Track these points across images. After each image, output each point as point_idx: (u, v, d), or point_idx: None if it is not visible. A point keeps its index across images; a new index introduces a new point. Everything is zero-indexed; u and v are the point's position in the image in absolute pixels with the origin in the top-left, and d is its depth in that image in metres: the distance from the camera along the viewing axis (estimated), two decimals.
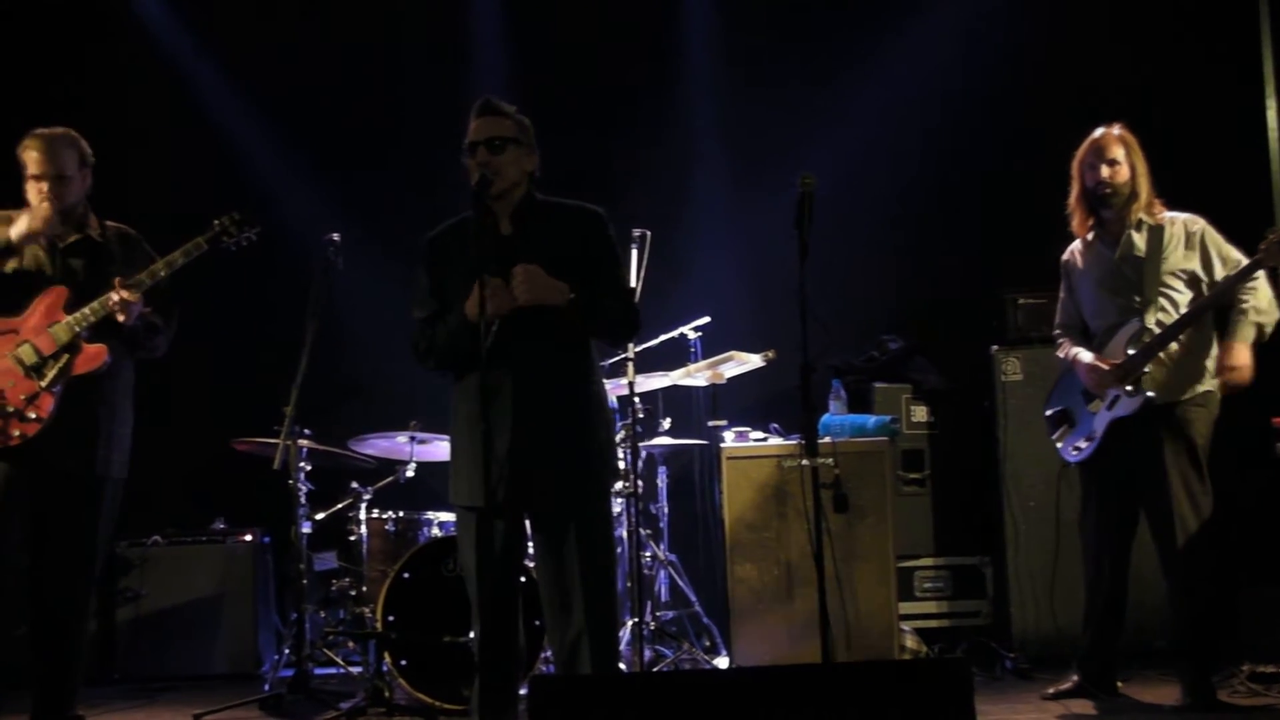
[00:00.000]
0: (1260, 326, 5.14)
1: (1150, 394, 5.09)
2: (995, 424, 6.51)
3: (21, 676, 4.85)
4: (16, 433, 4.66)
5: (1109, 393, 5.17)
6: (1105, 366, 5.20)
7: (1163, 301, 5.16)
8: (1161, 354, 5.12)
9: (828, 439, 5.80)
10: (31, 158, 4.86)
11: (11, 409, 4.67)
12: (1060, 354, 5.52)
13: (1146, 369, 5.10)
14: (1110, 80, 7.07)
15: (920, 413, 6.90)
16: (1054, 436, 5.48)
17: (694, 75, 7.73)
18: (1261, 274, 5.11)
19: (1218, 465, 5.16)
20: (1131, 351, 5.13)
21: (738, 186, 7.55)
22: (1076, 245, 5.48)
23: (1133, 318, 5.18)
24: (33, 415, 4.67)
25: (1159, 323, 5.13)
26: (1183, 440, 5.12)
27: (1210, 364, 5.18)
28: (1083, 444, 5.28)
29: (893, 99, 7.37)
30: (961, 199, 7.36)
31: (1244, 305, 5.11)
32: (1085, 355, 5.31)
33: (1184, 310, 5.11)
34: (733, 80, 7.69)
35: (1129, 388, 5.12)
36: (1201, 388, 5.16)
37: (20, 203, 4.91)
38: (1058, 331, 5.59)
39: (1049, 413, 5.54)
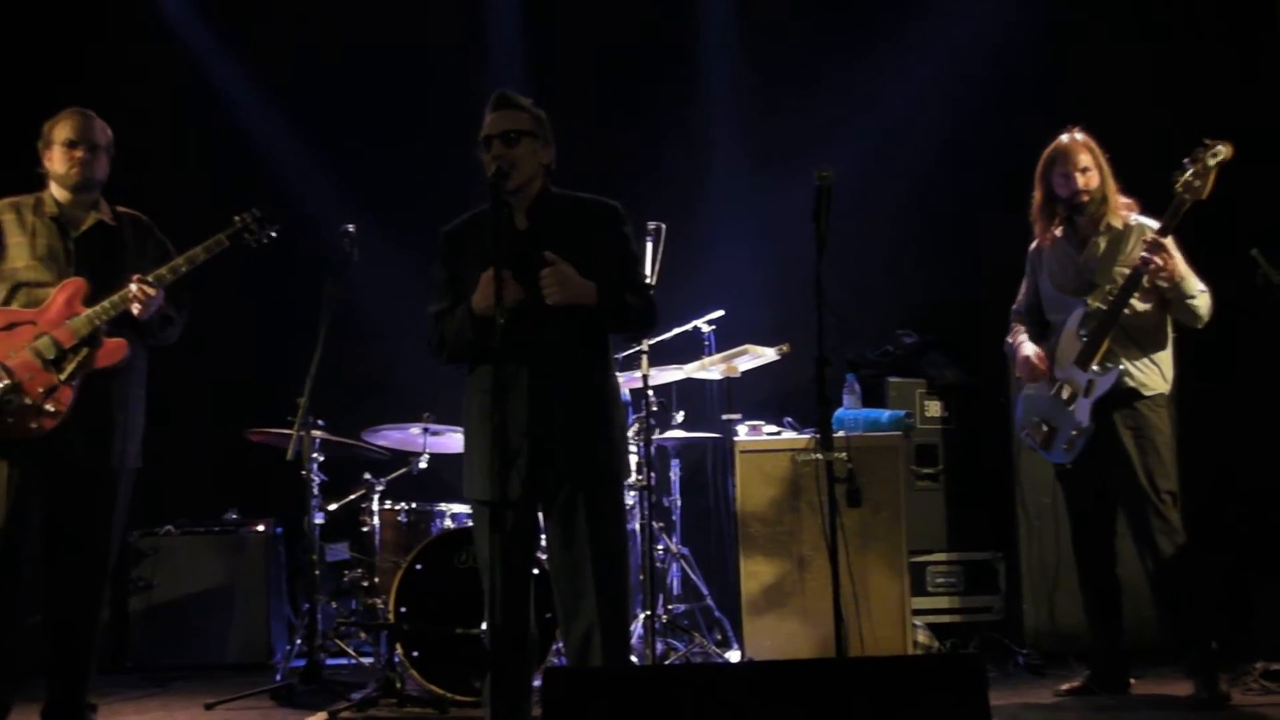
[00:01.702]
0: (1194, 306, 5.15)
1: (1122, 367, 5.15)
2: (1009, 420, 6.48)
3: (35, 665, 4.86)
4: (35, 425, 4.66)
5: (1081, 380, 5.19)
6: (1042, 367, 5.34)
7: (1109, 289, 5.20)
8: (1121, 355, 5.18)
9: (841, 433, 5.79)
10: (68, 124, 4.87)
11: (30, 402, 4.66)
12: (1007, 340, 5.61)
13: (1109, 363, 5.16)
14: (1133, 71, 7.03)
15: (934, 407, 6.89)
16: (1041, 446, 5.45)
17: (710, 67, 7.73)
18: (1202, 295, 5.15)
19: (1233, 461, 5.16)
20: (1084, 334, 5.20)
21: (753, 179, 7.54)
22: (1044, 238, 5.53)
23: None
24: (51, 408, 4.67)
25: (1099, 308, 5.20)
26: (1146, 439, 5.19)
27: (1167, 370, 5.27)
28: (1074, 434, 5.26)
29: (911, 91, 7.36)
30: (979, 193, 7.32)
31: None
32: (1027, 347, 5.44)
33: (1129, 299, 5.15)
34: (749, 72, 7.68)
35: (1096, 367, 5.17)
36: (1158, 390, 5.24)
37: (22, 190, 4.94)
38: (1014, 318, 5.67)
39: (1027, 427, 5.51)
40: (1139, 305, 5.18)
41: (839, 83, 7.53)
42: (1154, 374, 5.24)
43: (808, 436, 5.91)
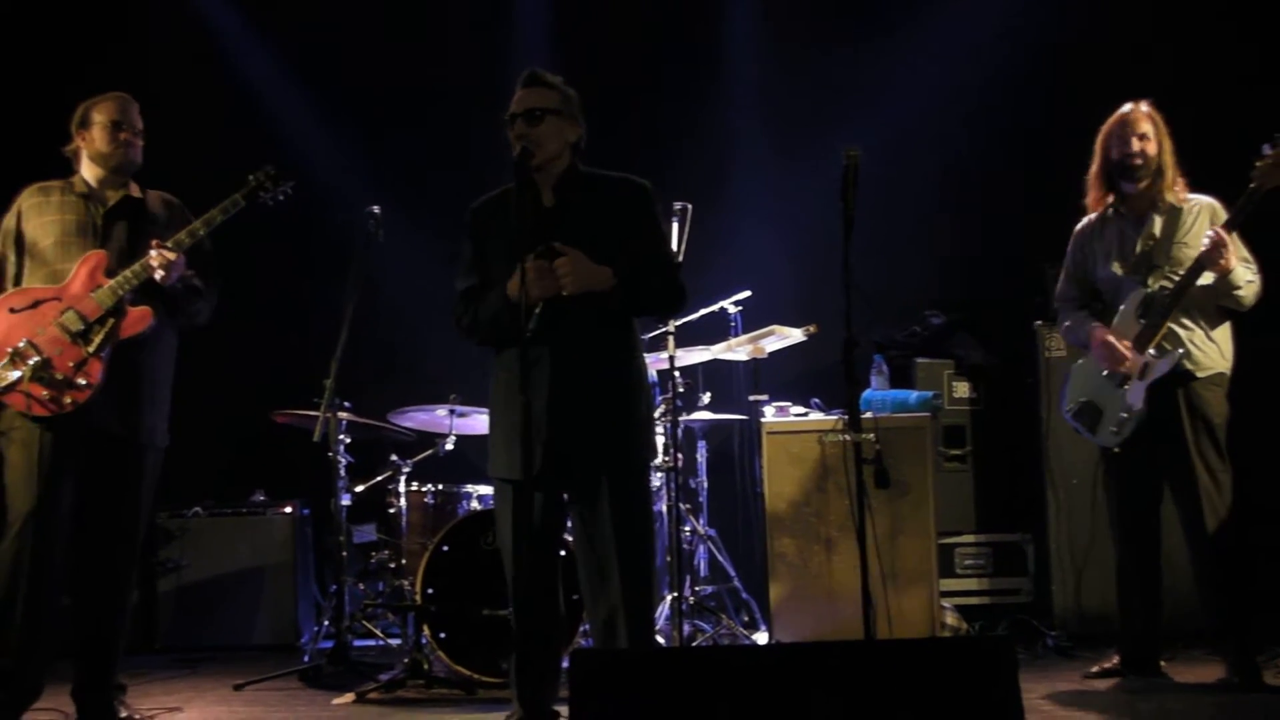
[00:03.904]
0: (1240, 295, 5.09)
1: (1181, 351, 5.08)
2: (1038, 400, 6.45)
3: (65, 646, 4.88)
4: (68, 400, 4.67)
5: (1139, 362, 5.12)
6: (1121, 347, 5.16)
7: (1172, 278, 5.12)
8: (1181, 333, 5.10)
9: (869, 414, 5.76)
10: (113, 106, 4.89)
11: (61, 376, 4.68)
12: (1066, 325, 5.48)
13: (1166, 345, 5.09)
14: (1160, 52, 6.96)
15: (962, 388, 6.85)
16: (1086, 429, 5.37)
17: (736, 45, 7.69)
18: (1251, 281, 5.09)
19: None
20: (1143, 319, 5.13)
21: (780, 158, 7.50)
22: (1092, 218, 5.43)
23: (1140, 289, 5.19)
24: (83, 381, 4.68)
25: (1162, 289, 5.12)
26: (1200, 419, 5.11)
27: (1226, 348, 5.18)
28: (1124, 417, 5.19)
29: (937, 70, 7.32)
30: (1006, 173, 7.28)
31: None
32: (1103, 331, 5.26)
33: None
34: (776, 50, 7.64)
35: (1153, 352, 5.10)
36: (1216, 369, 5.15)
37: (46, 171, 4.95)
38: (1058, 305, 5.57)
39: (1073, 408, 5.40)
40: (1202, 281, 5.09)
41: (866, 60, 7.48)
42: (1213, 352, 5.15)
43: (835, 418, 5.89)
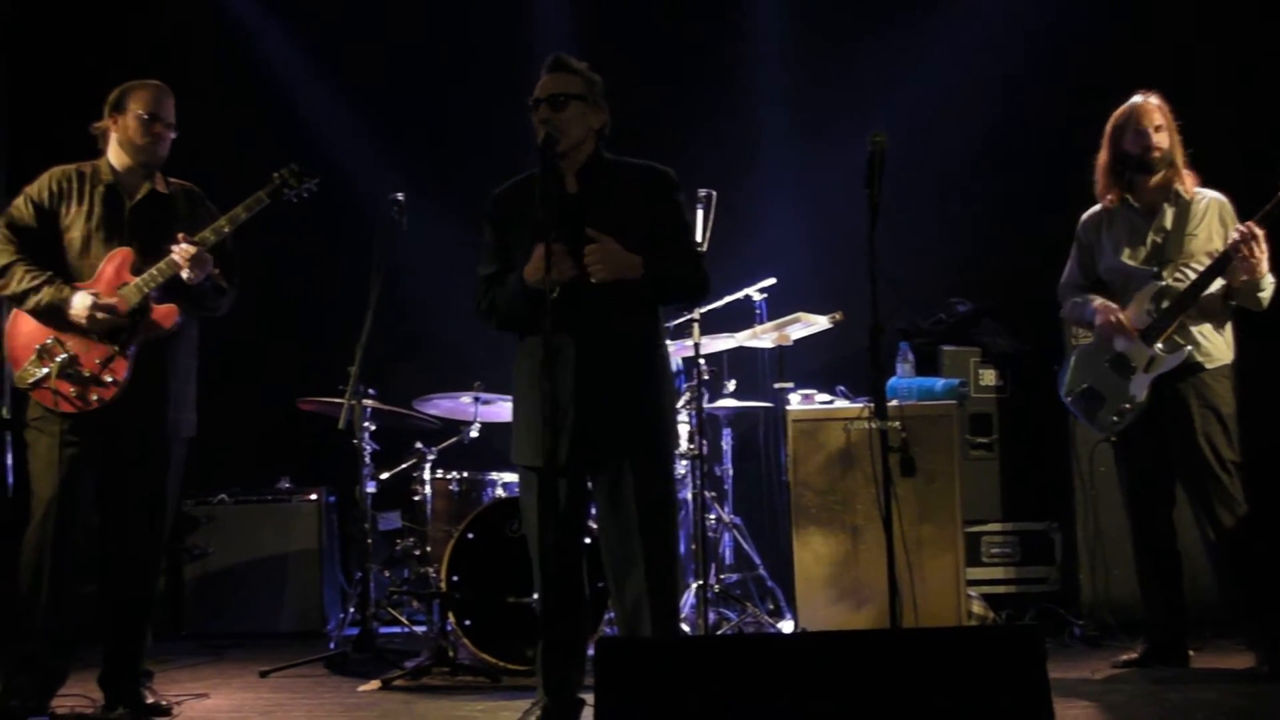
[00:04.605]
0: (1262, 297, 5.07)
1: (1189, 347, 5.07)
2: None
3: (92, 633, 4.90)
4: (95, 397, 4.70)
5: (1145, 353, 5.09)
6: (1121, 316, 5.18)
7: (1187, 272, 5.13)
8: (1190, 326, 5.10)
9: (895, 402, 5.74)
10: (151, 97, 4.89)
11: (88, 373, 4.70)
12: (1070, 303, 5.47)
13: (1178, 339, 5.08)
14: (1190, 38, 6.90)
15: (989, 376, 6.82)
16: (1085, 414, 5.37)
17: (760, 30, 7.64)
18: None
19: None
20: (1151, 310, 5.11)
21: (805, 144, 7.46)
22: (1099, 209, 5.43)
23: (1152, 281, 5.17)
24: (109, 378, 4.70)
25: (1177, 281, 5.11)
26: (1210, 409, 5.11)
27: (1229, 340, 5.19)
28: (1125, 407, 5.18)
29: (964, 56, 7.26)
30: (1033, 158, 7.23)
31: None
32: (1103, 302, 5.27)
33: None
34: (800, 34, 7.59)
35: (1161, 346, 5.07)
36: (1224, 360, 5.16)
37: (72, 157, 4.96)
38: (1063, 292, 5.56)
39: (1074, 394, 5.40)
40: (1221, 280, 5.08)
41: (891, 47, 7.44)
42: (1219, 344, 5.16)
43: (861, 405, 5.86)
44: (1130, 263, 5.26)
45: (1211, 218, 5.17)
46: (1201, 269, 5.10)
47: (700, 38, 7.67)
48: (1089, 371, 5.36)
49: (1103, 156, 5.34)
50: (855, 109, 7.10)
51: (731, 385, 6.36)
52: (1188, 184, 5.22)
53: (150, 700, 4.89)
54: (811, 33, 7.60)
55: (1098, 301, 5.31)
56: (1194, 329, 5.13)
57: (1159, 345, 5.11)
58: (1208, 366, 5.13)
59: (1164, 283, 5.14)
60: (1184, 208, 5.19)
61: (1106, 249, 5.36)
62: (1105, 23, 7.16)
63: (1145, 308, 5.16)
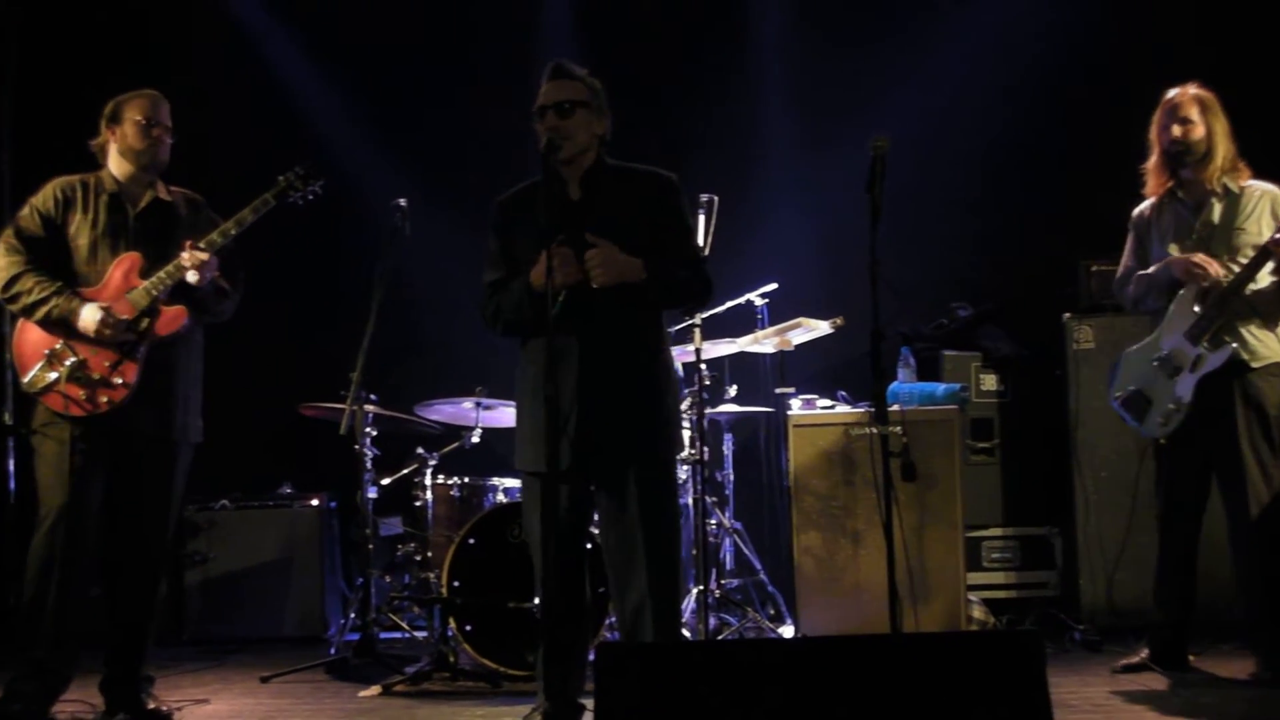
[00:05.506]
0: None
1: (1235, 345, 4.99)
2: (1066, 393, 6.42)
3: (94, 638, 4.90)
4: (104, 400, 4.71)
5: (1190, 353, 5.06)
6: (1200, 259, 5.01)
7: (1233, 267, 5.03)
8: (1237, 323, 5.02)
9: (896, 407, 5.72)
10: (146, 104, 4.91)
11: (98, 376, 4.71)
12: (1135, 290, 5.32)
13: (1225, 337, 5.01)
14: (1196, 42, 6.89)
15: (990, 381, 6.82)
16: (1133, 418, 5.27)
17: (762, 35, 7.65)
18: None
19: None
20: (1198, 309, 5.03)
21: (807, 149, 7.47)
22: (1151, 202, 5.34)
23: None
24: (118, 381, 4.72)
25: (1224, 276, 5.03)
26: (1255, 409, 5.02)
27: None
28: (1171, 408, 5.12)
29: (967, 60, 7.26)
30: (1034, 165, 7.24)
31: None
32: (1176, 252, 5.14)
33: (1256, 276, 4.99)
34: (804, 39, 7.59)
35: (1206, 344, 5.02)
36: (1273, 359, 5.05)
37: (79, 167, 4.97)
38: (1119, 287, 5.46)
39: (1121, 396, 5.29)
40: (1264, 276, 5.01)
41: (893, 51, 7.44)
42: (1270, 341, 5.05)
43: (862, 410, 5.86)
44: (1176, 255, 5.17)
45: (1263, 210, 5.06)
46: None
47: (703, 44, 7.67)
48: (1136, 374, 5.25)
49: (1153, 155, 5.25)
50: (857, 115, 7.09)
51: (733, 390, 6.37)
52: (1237, 176, 5.12)
53: (151, 706, 4.89)
54: (814, 39, 7.61)
55: (1174, 256, 5.15)
56: (1241, 326, 5.02)
57: (1204, 343, 5.02)
58: (1254, 365, 5.02)
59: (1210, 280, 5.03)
60: (1233, 201, 5.09)
61: (1153, 242, 5.29)
62: (1107, 31, 7.15)
63: (1191, 304, 5.07)
